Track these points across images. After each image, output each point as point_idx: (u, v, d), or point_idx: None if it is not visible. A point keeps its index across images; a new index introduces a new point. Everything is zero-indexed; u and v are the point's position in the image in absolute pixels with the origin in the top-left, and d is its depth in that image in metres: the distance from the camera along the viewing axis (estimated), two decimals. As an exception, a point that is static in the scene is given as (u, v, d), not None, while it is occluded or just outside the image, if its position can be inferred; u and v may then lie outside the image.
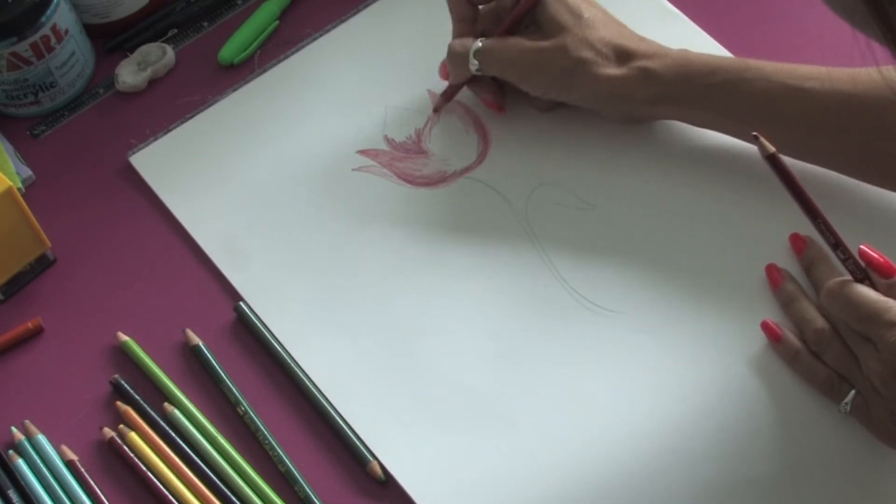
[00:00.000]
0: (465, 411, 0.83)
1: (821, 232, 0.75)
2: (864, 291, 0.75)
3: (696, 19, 0.96)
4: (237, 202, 0.92)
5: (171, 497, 0.81)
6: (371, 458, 0.81)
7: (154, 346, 0.87)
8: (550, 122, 0.92)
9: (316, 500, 0.80)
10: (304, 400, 0.84)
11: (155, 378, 0.85)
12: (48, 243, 0.90)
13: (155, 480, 0.82)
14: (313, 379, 0.84)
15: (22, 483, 0.82)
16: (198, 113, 0.97)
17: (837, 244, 0.75)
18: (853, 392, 0.78)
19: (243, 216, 0.92)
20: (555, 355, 0.84)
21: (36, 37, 0.93)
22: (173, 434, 0.83)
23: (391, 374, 0.84)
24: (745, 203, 0.88)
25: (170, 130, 0.96)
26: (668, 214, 0.88)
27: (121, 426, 0.84)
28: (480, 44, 0.89)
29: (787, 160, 0.74)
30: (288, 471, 0.81)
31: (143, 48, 0.99)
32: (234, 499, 0.81)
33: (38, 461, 0.83)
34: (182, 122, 0.96)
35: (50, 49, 0.94)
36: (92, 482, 0.82)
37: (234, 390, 0.84)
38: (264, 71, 0.98)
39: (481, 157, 0.93)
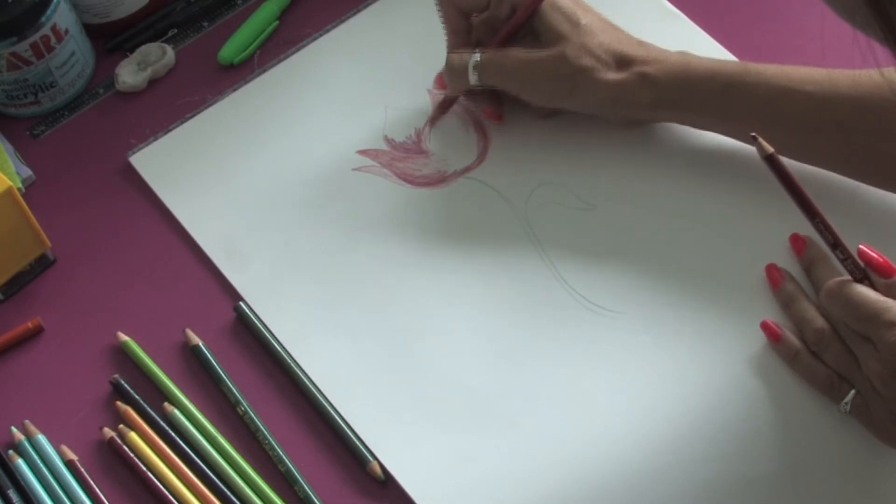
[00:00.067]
0: (465, 411, 0.83)
1: (819, 232, 0.75)
2: (864, 291, 0.75)
3: (696, 19, 0.96)
4: (237, 202, 0.92)
5: (171, 497, 0.81)
6: (371, 458, 0.81)
7: (154, 346, 0.87)
8: (550, 123, 0.92)
9: (316, 500, 0.80)
10: (304, 400, 0.84)
11: (155, 378, 0.85)
12: (48, 243, 0.90)
13: (155, 480, 0.82)
14: (313, 379, 0.84)
15: (22, 483, 0.82)
16: (198, 113, 0.97)
17: (836, 244, 0.75)
18: (853, 392, 0.78)
19: (243, 216, 0.92)
20: (555, 355, 0.84)
21: (36, 37, 0.93)
22: (173, 434, 0.83)
23: (391, 373, 0.84)
24: (745, 203, 0.88)
25: (170, 130, 0.96)
26: (668, 214, 0.88)
27: (121, 426, 0.84)
28: (479, 56, 0.88)
29: (785, 161, 0.74)
30: (288, 471, 0.81)
31: (143, 48, 0.99)
32: (234, 499, 0.81)
33: (38, 461, 0.83)
34: (182, 122, 0.96)
35: (50, 49, 0.94)
36: (92, 482, 0.82)
37: (234, 390, 0.84)
38: (264, 71, 0.98)
39: (481, 157, 0.93)
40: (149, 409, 0.84)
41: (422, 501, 0.80)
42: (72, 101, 0.98)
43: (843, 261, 0.75)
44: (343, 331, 0.86)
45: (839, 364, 0.79)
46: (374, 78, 0.97)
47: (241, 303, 0.88)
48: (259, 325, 0.87)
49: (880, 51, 0.57)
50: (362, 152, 0.94)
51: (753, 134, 0.73)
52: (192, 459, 0.82)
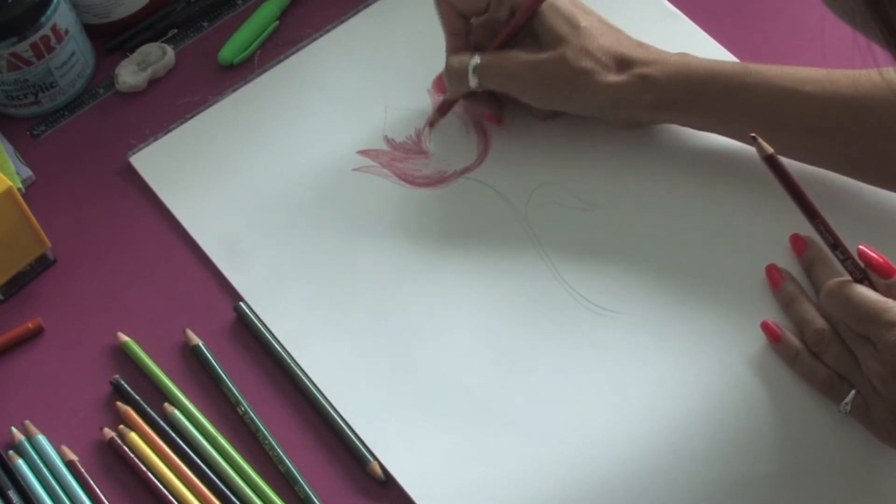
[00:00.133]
0: (465, 411, 0.83)
1: (819, 232, 0.75)
2: (864, 292, 0.75)
3: (696, 19, 0.96)
4: (237, 202, 0.92)
5: (171, 497, 0.81)
6: (371, 459, 0.81)
7: (154, 346, 0.87)
8: (551, 123, 0.92)
9: (316, 500, 0.80)
10: (304, 400, 0.84)
11: (155, 378, 0.85)
12: (48, 243, 0.90)
13: (155, 480, 0.82)
14: (313, 379, 0.84)
15: (22, 483, 0.82)
16: (198, 113, 0.97)
17: (836, 244, 0.75)
18: (853, 392, 0.78)
19: (243, 216, 0.92)
20: (554, 355, 0.84)
21: (36, 37, 0.93)
22: (173, 434, 0.83)
23: (391, 373, 0.84)
24: (745, 204, 0.88)
25: (170, 130, 0.96)
26: (668, 215, 0.88)
27: (121, 426, 0.84)
28: (479, 59, 0.88)
29: (785, 161, 0.74)
30: (288, 471, 0.81)
31: (143, 48, 0.99)
32: (234, 499, 0.81)
33: (38, 461, 0.83)
34: (182, 122, 0.96)
35: (50, 49, 0.94)
36: (92, 482, 0.82)
37: (234, 390, 0.84)
38: (264, 71, 0.98)
39: (481, 157, 0.93)
40: (149, 409, 0.84)
41: (422, 501, 0.80)
42: (72, 101, 0.98)
43: (843, 261, 0.75)
44: (343, 331, 0.86)
45: (839, 364, 0.79)
46: (374, 78, 0.97)
47: (241, 303, 0.88)
48: (259, 325, 0.87)
49: (880, 51, 0.57)
50: (362, 152, 0.94)
51: (753, 134, 0.73)
52: (192, 459, 0.82)
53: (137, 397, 0.85)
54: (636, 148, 0.91)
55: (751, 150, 0.75)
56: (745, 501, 0.78)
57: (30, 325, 0.88)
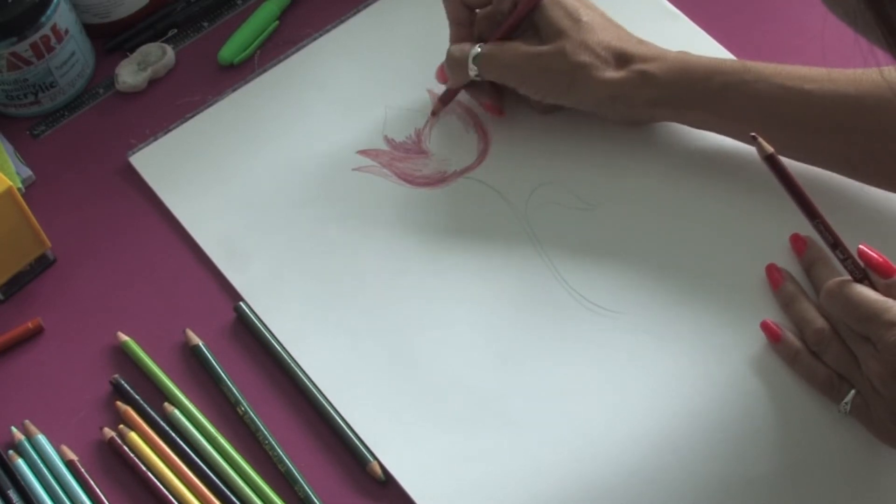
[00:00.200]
0: (465, 411, 0.83)
1: (819, 232, 0.75)
2: (864, 291, 0.75)
3: (696, 19, 0.96)
4: (237, 202, 0.92)
5: (171, 497, 0.81)
6: (371, 458, 0.81)
7: (154, 346, 0.87)
8: (550, 122, 0.92)
9: (316, 500, 0.80)
10: (304, 400, 0.84)
11: (155, 378, 0.85)
12: (48, 243, 0.90)
13: (155, 480, 0.82)
14: (313, 379, 0.85)
15: (22, 483, 0.82)
16: (198, 113, 0.97)
17: (836, 244, 0.75)
18: (853, 392, 0.78)
19: (243, 216, 0.92)
20: (554, 355, 0.84)
21: (36, 37, 0.93)
22: (173, 434, 0.83)
23: (391, 373, 0.84)
24: (745, 203, 0.88)
25: (170, 130, 0.96)
26: (668, 214, 0.88)
27: (121, 426, 0.84)
28: (479, 49, 0.89)
29: (785, 160, 0.74)
30: (288, 471, 0.81)
31: (143, 48, 0.99)
32: (234, 499, 0.81)
33: (38, 461, 0.83)
34: (182, 122, 0.96)
35: (50, 49, 0.94)
36: (92, 482, 0.82)
37: (234, 390, 0.84)
38: (264, 71, 0.98)
39: (481, 157, 0.93)
40: (149, 409, 0.84)
41: (422, 501, 0.80)
42: (72, 101, 0.98)
43: (843, 261, 0.75)
44: (343, 331, 0.86)
45: (839, 364, 0.79)
46: (374, 78, 0.97)
47: (241, 303, 0.88)
48: (259, 325, 0.87)
49: (881, 51, 0.57)
50: (362, 152, 0.94)
51: (753, 134, 0.73)
52: (192, 459, 0.82)
53: (137, 397, 0.85)
54: (636, 148, 0.91)
55: (751, 149, 0.75)
56: (745, 501, 0.78)
57: (30, 324, 0.88)
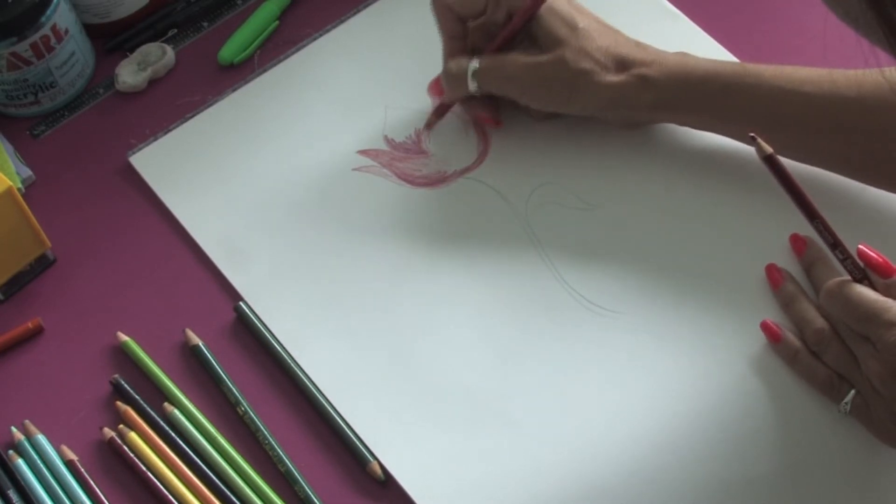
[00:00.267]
0: (465, 411, 0.83)
1: (819, 232, 0.75)
2: (863, 291, 0.75)
3: (696, 19, 0.96)
4: (237, 202, 0.92)
5: (171, 497, 0.81)
6: (371, 458, 0.81)
7: (154, 346, 0.87)
8: (550, 122, 0.92)
9: (316, 500, 0.80)
10: (304, 400, 0.84)
11: (155, 378, 0.85)
12: (48, 243, 0.90)
13: (155, 480, 0.82)
14: (313, 379, 0.85)
15: (22, 483, 0.82)
16: (198, 113, 0.97)
17: (836, 244, 0.75)
18: (853, 392, 0.78)
19: (243, 216, 0.92)
20: (554, 355, 0.84)
21: (36, 37, 0.93)
22: (173, 434, 0.83)
23: (391, 373, 0.84)
24: (745, 203, 0.88)
25: (170, 130, 0.96)
26: (668, 215, 0.88)
27: (121, 426, 0.84)
28: (478, 63, 0.88)
29: (785, 161, 0.74)
30: (288, 471, 0.81)
31: (143, 48, 0.99)
32: (234, 499, 0.81)
33: (38, 461, 0.83)
34: (182, 122, 0.96)
35: (50, 49, 0.94)
36: (92, 482, 0.82)
37: (234, 390, 0.84)
38: (264, 71, 0.98)
39: (481, 157, 0.93)
40: (149, 409, 0.84)
41: (422, 501, 0.80)
42: (72, 101, 0.98)
43: (842, 261, 0.75)
44: (343, 331, 0.86)
45: (839, 364, 0.79)
46: (373, 78, 0.97)
47: (241, 303, 0.88)
48: (259, 325, 0.87)
49: (881, 51, 0.57)
50: (362, 152, 0.94)
51: (752, 134, 0.73)
52: (192, 459, 0.82)
53: (137, 397, 0.85)
54: (636, 148, 0.91)
55: (750, 150, 0.75)
56: (745, 501, 0.78)
57: (30, 324, 0.88)
